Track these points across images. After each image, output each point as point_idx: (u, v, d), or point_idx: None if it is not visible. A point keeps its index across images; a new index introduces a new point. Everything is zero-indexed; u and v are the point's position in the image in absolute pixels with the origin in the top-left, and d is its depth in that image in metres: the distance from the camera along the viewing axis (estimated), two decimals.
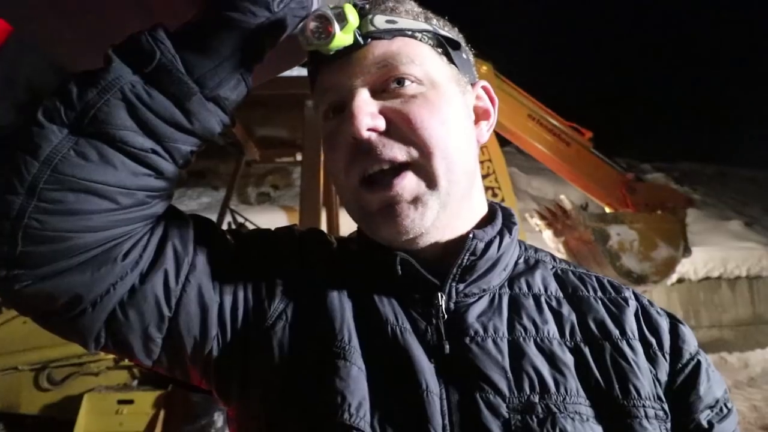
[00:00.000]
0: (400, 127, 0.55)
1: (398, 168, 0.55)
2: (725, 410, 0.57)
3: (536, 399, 0.51)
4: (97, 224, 0.49)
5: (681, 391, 0.56)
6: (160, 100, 0.49)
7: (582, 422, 0.50)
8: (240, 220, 4.69)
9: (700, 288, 6.94)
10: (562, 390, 0.52)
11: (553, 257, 0.68)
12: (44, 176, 0.46)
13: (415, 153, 0.55)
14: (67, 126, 0.47)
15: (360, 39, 0.55)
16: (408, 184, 0.55)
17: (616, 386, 0.53)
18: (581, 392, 0.52)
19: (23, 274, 0.48)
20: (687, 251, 4.49)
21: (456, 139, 0.57)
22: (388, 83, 0.56)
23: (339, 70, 0.57)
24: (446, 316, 0.56)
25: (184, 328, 0.55)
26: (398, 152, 0.55)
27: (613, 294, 0.62)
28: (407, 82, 0.56)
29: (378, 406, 0.51)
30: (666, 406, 0.54)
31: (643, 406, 0.52)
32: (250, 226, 4.49)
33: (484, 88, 0.65)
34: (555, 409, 0.50)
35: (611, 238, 4.23)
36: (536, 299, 0.59)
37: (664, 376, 0.56)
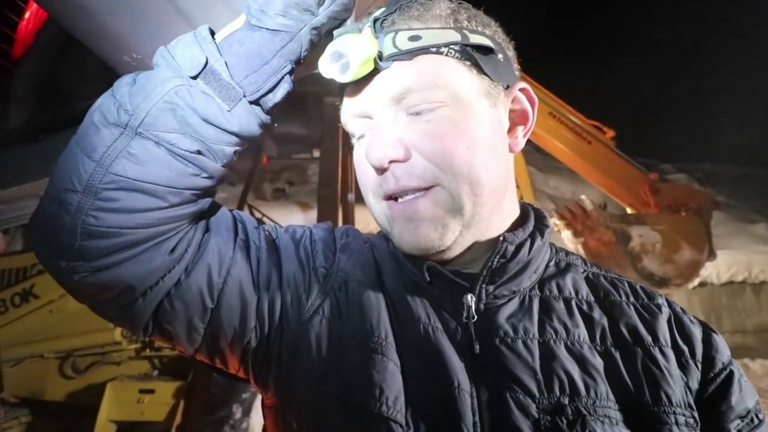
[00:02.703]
0: (423, 154, 0.55)
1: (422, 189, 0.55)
2: (756, 421, 0.57)
3: (566, 401, 0.52)
4: (148, 221, 0.51)
5: (712, 400, 0.56)
6: (207, 104, 0.50)
7: (611, 426, 0.50)
8: (257, 215, 4.74)
9: (723, 292, 6.76)
10: (592, 393, 0.52)
11: (585, 261, 0.68)
12: (100, 176, 0.48)
13: (440, 176, 0.55)
14: (121, 128, 0.49)
15: (381, 64, 0.54)
16: (428, 204, 0.55)
17: (647, 392, 0.53)
18: (611, 396, 0.53)
19: (81, 266, 0.50)
20: (712, 254, 4.37)
21: (483, 160, 0.56)
22: (410, 108, 0.56)
23: (361, 95, 0.57)
24: (476, 316, 0.56)
25: (225, 320, 0.57)
26: (420, 181, 0.55)
27: (645, 300, 0.62)
28: (430, 107, 0.55)
29: (411, 401, 0.53)
30: (696, 414, 0.54)
31: (674, 413, 0.52)
32: (268, 222, 4.53)
33: (523, 90, 0.62)
34: (585, 412, 0.51)
35: (633, 239, 4.14)
36: (567, 302, 0.60)
37: (695, 385, 0.56)
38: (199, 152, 0.51)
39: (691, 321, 0.61)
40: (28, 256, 3.76)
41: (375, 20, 0.56)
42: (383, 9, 0.57)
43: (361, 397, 0.53)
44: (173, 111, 0.49)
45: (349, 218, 4.91)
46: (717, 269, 6.46)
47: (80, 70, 1.25)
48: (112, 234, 0.49)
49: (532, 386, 0.52)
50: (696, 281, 5.53)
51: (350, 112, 0.60)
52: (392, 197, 0.57)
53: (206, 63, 0.50)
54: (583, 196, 4.49)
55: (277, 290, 0.60)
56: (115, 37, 0.72)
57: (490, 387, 0.53)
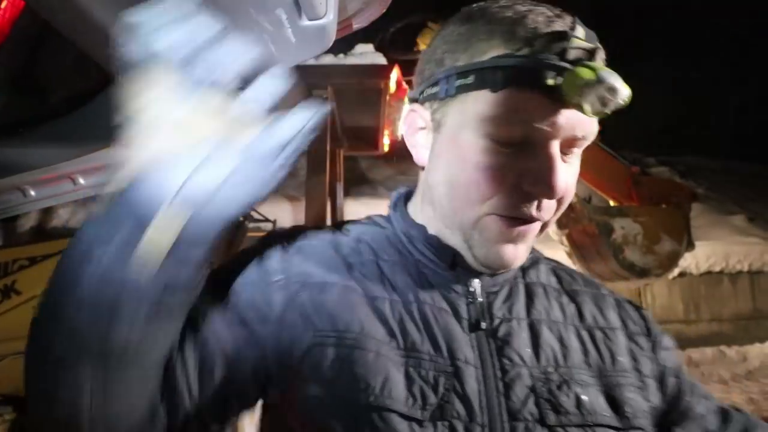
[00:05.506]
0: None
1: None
2: (683, 377, 0.70)
3: (552, 370, 0.60)
4: None
5: (662, 364, 0.69)
6: None
7: (585, 388, 0.60)
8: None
9: (701, 282, 6.94)
10: (569, 362, 0.62)
11: (543, 255, 0.77)
12: None
13: (556, 213, 0.61)
14: None
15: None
16: (533, 234, 0.61)
17: (607, 361, 0.64)
18: (583, 365, 0.63)
19: None
20: (690, 245, 4.50)
21: None
22: (570, 146, 0.57)
23: (556, 116, 0.53)
24: (480, 299, 0.63)
25: (237, 407, 0.60)
26: (548, 215, 0.60)
27: (596, 289, 0.73)
28: (578, 153, 0.60)
29: (420, 377, 0.56)
30: (643, 378, 0.65)
31: (626, 376, 0.64)
32: (258, 217, 4.51)
33: None
34: (567, 378, 0.60)
35: (615, 231, 4.24)
36: (544, 288, 0.69)
37: (648, 353, 0.68)
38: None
39: (629, 303, 0.74)
40: (9, 252, 3.67)
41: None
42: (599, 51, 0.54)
43: (350, 395, 0.54)
44: None
45: (337, 211, 4.91)
46: (696, 260, 6.63)
47: (59, 61, 1.22)
48: None
49: (527, 358, 0.60)
50: (675, 272, 5.69)
51: (532, 120, 0.53)
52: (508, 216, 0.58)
53: None
54: None
55: (256, 362, 0.58)
56: (99, 30, 0.71)
57: (491, 360, 0.60)
